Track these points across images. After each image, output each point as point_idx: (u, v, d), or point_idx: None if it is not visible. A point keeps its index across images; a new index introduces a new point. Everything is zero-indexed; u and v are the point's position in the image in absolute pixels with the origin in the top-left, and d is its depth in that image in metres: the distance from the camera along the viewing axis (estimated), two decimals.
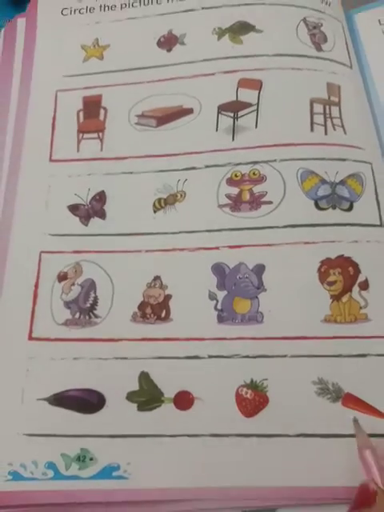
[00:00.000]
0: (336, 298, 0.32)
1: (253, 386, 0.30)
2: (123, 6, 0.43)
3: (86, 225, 0.36)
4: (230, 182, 0.36)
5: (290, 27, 0.40)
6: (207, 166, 0.36)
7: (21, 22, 0.43)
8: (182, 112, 0.38)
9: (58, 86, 0.40)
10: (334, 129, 0.37)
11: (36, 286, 0.34)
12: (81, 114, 0.39)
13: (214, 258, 0.34)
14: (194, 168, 0.36)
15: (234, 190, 0.35)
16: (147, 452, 0.30)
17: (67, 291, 0.34)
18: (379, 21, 0.42)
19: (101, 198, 0.36)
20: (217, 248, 0.34)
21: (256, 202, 0.35)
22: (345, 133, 0.37)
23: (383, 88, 0.39)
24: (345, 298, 0.32)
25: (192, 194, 0.36)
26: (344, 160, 0.35)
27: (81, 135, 0.39)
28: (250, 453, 0.29)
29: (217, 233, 0.34)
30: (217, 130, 0.37)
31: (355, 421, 0.29)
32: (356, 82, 0.39)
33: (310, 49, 0.40)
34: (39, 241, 0.36)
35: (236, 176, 0.36)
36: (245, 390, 0.30)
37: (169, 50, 0.41)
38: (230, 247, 0.34)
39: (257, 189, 0.35)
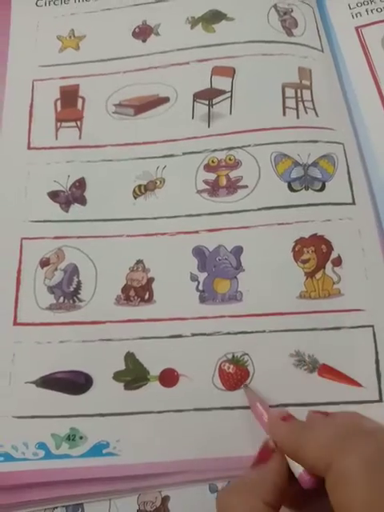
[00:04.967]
0: (310, 275, 0.34)
1: (234, 360, 0.32)
2: None
3: (67, 211, 0.36)
4: (207, 167, 0.37)
5: (261, 14, 0.41)
6: (185, 153, 0.37)
7: None
8: (159, 101, 0.39)
9: (34, 76, 0.41)
10: (306, 112, 0.38)
11: (18, 272, 0.35)
12: (58, 103, 0.40)
13: (194, 242, 0.35)
14: (172, 155, 0.37)
15: (212, 176, 0.37)
16: (135, 429, 0.31)
17: (50, 276, 0.35)
18: (349, 5, 0.43)
19: (81, 184, 0.37)
20: (196, 232, 0.35)
21: (233, 186, 0.36)
22: (316, 115, 0.38)
23: (353, 70, 0.41)
24: (318, 275, 0.34)
25: (171, 180, 0.37)
26: (316, 142, 0.37)
27: (59, 124, 0.39)
28: (234, 424, 0.30)
29: (196, 217, 0.35)
30: (193, 117, 0.38)
31: (245, 386, 0.31)
32: (327, 65, 0.41)
33: (281, 34, 0.41)
34: (20, 228, 0.36)
35: (213, 162, 0.37)
36: (227, 364, 0.32)
37: (144, 41, 0.41)
38: (209, 231, 0.35)
39: (233, 174, 0.37)
